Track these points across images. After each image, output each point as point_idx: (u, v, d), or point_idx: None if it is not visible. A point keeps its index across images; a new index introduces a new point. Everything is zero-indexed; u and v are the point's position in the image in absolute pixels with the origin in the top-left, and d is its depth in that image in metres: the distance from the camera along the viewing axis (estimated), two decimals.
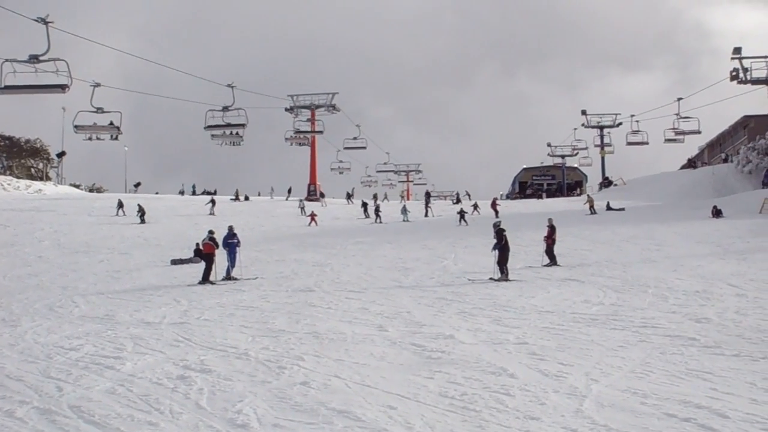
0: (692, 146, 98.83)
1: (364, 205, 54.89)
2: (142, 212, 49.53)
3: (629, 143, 79.45)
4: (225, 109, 47.37)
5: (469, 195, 76.84)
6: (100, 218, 49.94)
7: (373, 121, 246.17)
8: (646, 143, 78.44)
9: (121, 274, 26.59)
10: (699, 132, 71.03)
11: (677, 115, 67.68)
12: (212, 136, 60.42)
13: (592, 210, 50.09)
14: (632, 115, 78.35)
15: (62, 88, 33.18)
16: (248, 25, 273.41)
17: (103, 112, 41.90)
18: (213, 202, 56.87)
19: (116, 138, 45.51)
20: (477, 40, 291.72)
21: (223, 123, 48.79)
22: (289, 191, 74.67)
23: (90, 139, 45.14)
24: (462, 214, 45.82)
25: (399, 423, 8.32)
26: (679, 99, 67.53)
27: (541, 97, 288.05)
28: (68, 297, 20.72)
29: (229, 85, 46.46)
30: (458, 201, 67.61)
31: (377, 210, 51.62)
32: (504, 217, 42.66)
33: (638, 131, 78.17)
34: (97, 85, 40.36)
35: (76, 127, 43.62)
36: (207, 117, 48.72)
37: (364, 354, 12.05)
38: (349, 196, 72.59)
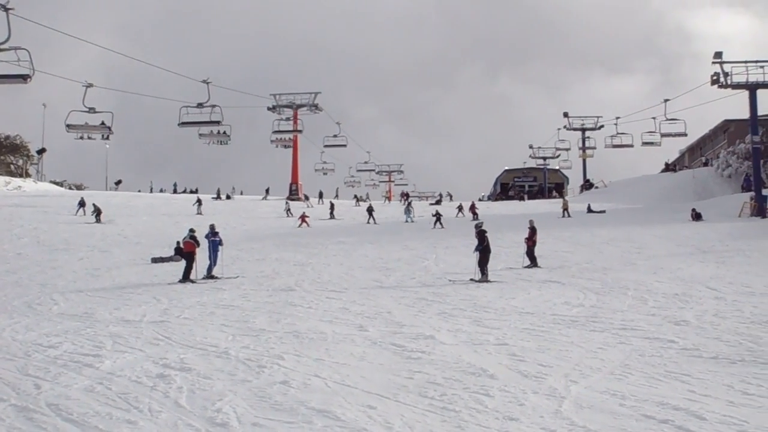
0: (673, 150, 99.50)
1: (357, 200, 55.49)
2: (97, 212, 47.81)
3: (614, 146, 79.30)
4: (200, 105, 46.18)
5: (450, 196, 76.58)
6: (76, 216, 49.58)
7: (356, 122, 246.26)
8: (630, 146, 78.36)
9: (100, 271, 26.45)
10: (685, 134, 70.80)
11: (664, 116, 67.28)
12: (200, 135, 60.51)
13: (566, 213, 49.74)
14: (617, 118, 78.01)
15: (24, 78, 33.14)
16: (233, 23, 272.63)
17: (95, 112, 42.84)
18: (199, 201, 56.21)
19: (107, 138, 48.05)
20: (460, 41, 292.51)
21: (198, 120, 47.71)
22: (267, 191, 74.33)
23: (82, 138, 45.97)
24: (438, 216, 44.30)
25: (378, 423, 8.32)
26: (666, 100, 66.86)
27: (523, 98, 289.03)
28: (47, 294, 20.59)
29: (204, 81, 45.28)
30: (439, 202, 67.03)
31: (370, 210, 51.56)
32: (485, 219, 42.78)
33: (622, 134, 78.10)
34: (90, 85, 41.05)
35: (68, 126, 44.38)
36: (181, 113, 47.60)
37: (344, 354, 12.04)
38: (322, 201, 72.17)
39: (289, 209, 55.57)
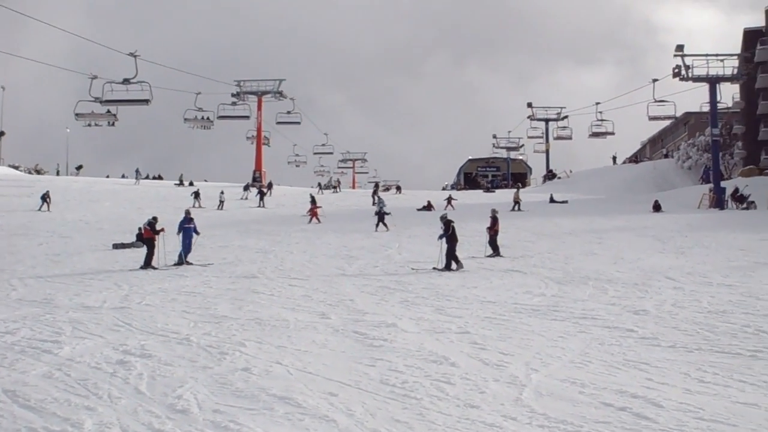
0: (633, 142, 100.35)
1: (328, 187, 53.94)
2: (46, 198, 45.82)
3: (594, 134, 78.63)
4: (126, 81, 44.01)
5: (399, 188, 71.84)
6: (39, 201, 48.94)
7: (322, 108, 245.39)
8: (612, 133, 77.82)
9: (61, 257, 26.16)
10: (675, 117, 68.72)
11: (654, 100, 64.86)
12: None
13: (517, 206, 46.95)
14: (597, 103, 76.34)
15: (146, 102, 35.26)
16: (200, 8, 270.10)
17: (101, 102, 45.50)
18: (197, 194, 51.29)
19: (113, 124, 48.80)
20: (429, 29, 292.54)
21: (125, 99, 45.25)
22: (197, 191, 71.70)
23: (89, 125, 48.87)
24: (381, 216, 36.12)
25: (340, 410, 8.34)
26: (655, 80, 60.48)
27: (491, 88, 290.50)
28: (5, 280, 20.32)
29: (131, 54, 42.69)
30: (375, 192, 57.47)
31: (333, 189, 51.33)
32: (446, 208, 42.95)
33: (604, 120, 77.19)
34: (95, 77, 42.14)
35: (77, 115, 46.99)
36: (104, 90, 45.49)
37: (307, 341, 12.04)
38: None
39: (247, 194, 54.01)
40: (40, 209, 44.63)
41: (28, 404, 8.66)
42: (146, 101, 45.03)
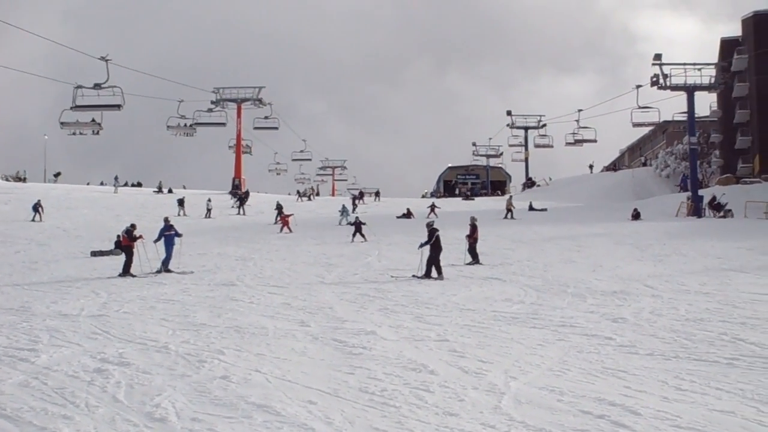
0: (612, 150, 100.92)
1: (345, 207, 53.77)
2: (38, 208, 44.61)
3: (576, 141, 78.70)
4: (97, 86, 42.65)
5: (378, 195, 71.03)
6: (16, 209, 48.61)
7: (303, 116, 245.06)
8: (594, 141, 77.78)
9: (38, 265, 25.98)
10: (658, 124, 68.36)
11: (638, 106, 64.72)
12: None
13: (510, 214, 46.74)
14: (580, 110, 75.96)
15: (118, 107, 35.61)
16: (180, 15, 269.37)
17: (85, 109, 45.17)
18: (181, 202, 51.36)
19: (97, 133, 48.75)
20: (410, 37, 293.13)
21: (96, 104, 43.95)
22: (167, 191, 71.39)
23: (74, 134, 49.04)
24: (358, 226, 35.06)
25: (319, 418, 8.32)
26: (638, 86, 57.63)
27: (472, 96, 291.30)
28: None
29: (102, 58, 41.26)
30: (354, 202, 57.02)
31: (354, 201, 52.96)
32: (424, 216, 43.03)
33: (585, 128, 77.18)
34: (79, 86, 42.72)
35: (62, 123, 47.10)
36: (75, 95, 44.07)
37: (286, 349, 12.01)
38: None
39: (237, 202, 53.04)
40: (33, 219, 43.18)
41: (4, 413, 8.57)
42: (118, 106, 43.71)
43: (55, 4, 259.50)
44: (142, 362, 11.04)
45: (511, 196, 54.18)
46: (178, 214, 46.68)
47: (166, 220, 25.20)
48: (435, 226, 22.97)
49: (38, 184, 71.61)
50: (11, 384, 9.87)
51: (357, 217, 36.58)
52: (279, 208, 46.09)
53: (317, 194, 71.35)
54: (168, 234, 24.20)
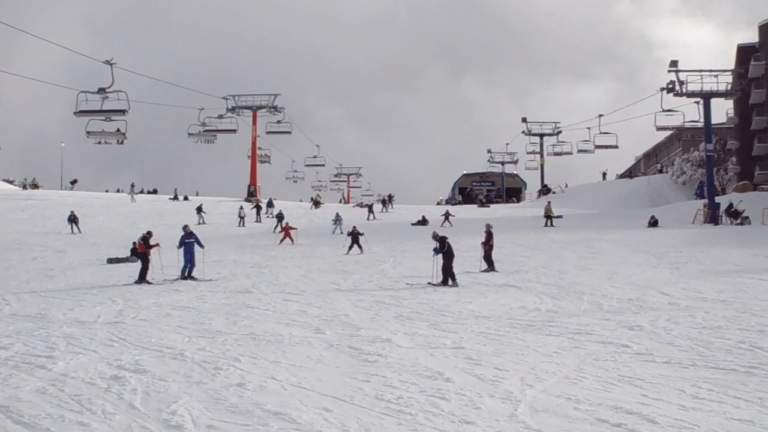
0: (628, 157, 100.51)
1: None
2: (74, 219, 44.19)
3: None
4: (101, 91, 41.63)
5: (387, 200, 68.14)
6: (33, 216, 48.90)
7: (319, 123, 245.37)
8: (616, 146, 77.36)
9: (55, 272, 26.11)
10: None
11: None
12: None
13: (549, 221, 45.22)
14: (600, 115, 74.43)
15: (123, 113, 36.15)
16: (196, 23, 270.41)
17: (111, 120, 45.85)
18: (199, 209, 50.84)
19: (122, 142, 50.29)
20: (425, 44, 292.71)
21: (101, 109, 43.15)
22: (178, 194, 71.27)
23: (99, 143, 50.28)
24: (355, 236, 32.65)
25: (335, 425, 8.31)
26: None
27: (487, 103, 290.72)
28: None
29: (107, 62, 40.07)
30: (371, 208, 56.98)
31: (370, 208, 52.94)
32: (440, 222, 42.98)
33: (607, 133, 76.90)
34: (106, 96, 42.96)
35: (88, 132, 47.70)
36: (78, 100, 43.43)
37: (301, 356, 12.01)
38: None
39: (246, 214, 51.44)
40: (72, 232, 41.92)
41: (22, 420, 8.61)
42: (123, 111, 43.03)
43: (75, 13, 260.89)
44: (158, 369, 11.07)
45: (549, 203, 51.02)
46: (198, 223, 46.60)
47: (185, 228, 25.11)
48: (442, 235, 22.86)
49: (54, 191, 71.94)
50: (29, 391, 9.91)
51: (354, 227, 33.77)
52: (280, 217, 45.44)
53: (318, 202, 68.93)
54: (188, 242, 24.08)
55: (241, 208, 51.50)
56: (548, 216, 45.81)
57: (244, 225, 48.32)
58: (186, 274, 23.74)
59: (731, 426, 8.18)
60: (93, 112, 43.80)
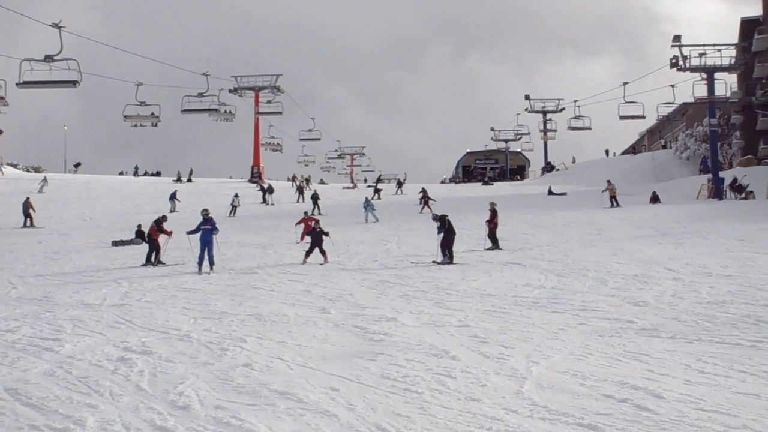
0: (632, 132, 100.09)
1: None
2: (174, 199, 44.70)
3: (570, 128, 78.18)
4: (48, 58, 36.53)
5: (400, 183, 66.22)
6: (38, 199, 48.89)
7: (323, 102, 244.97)
8: (589, 128, 77.42)
9: (60, 255, 26.16)
10: (643, 117, 68.51)
11: (624, 99, 64.72)
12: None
13: (614, 201, 41.84)
14: (625, 83, 71.70)
15: (73, 84, 36.63)
16: (200, 3, 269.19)
17: (146, 105, 52.94)
18: (173, 197, 46.36)
19: (156, 125, 55.95)
20: (429, 21, 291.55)
21: (49, 80, 38.26)
22: (191, 173, 71.53)
23: (135, 126, 56.27)
24: (317, 237, 22.89)
25: (341, 404, 8.35)
26: (625, 83, 59.09)
27: (492, 80, 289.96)
28: (4, 279, 20.33)
29: (54, 25, 34.75)
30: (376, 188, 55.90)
31: (377, 189, 52.94)
32: (448, 201, 42.92)
33: (581, 116, 76.99)
34: (140, 84, 49.74)
35: (125, 117, 53.72)
36: (22, 69, 38.49)
37: (307, 336, 12.05)
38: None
39: (265, 194, 50.11)
40: (171, 210, 41.25)
41: (30, 402, 8.66)
42: (74, 83, 37.81)
43: None
44: (164, 351, 11.12)
45: (609, 181, 45.41)
46: (170, 210, 41.87)
47: (205, 212, 22.60)
48: (441, 214, 22.87)
49: (58, 175, 71.94)
50: (36, 373, 9.96)
51: (317, 221, 25.14)
52: (315, 198, 43.78)
53: (306, 183, 63.10)
54: (205, 228, 21.71)
55: (236, 196, 44.74)
56: (613, 196, 42.59)
57: (234, 215, 41.96)
58: (203, 269, 20.95)
59: (737, 399, 8.20)
60: (39, 83, 39.09)
